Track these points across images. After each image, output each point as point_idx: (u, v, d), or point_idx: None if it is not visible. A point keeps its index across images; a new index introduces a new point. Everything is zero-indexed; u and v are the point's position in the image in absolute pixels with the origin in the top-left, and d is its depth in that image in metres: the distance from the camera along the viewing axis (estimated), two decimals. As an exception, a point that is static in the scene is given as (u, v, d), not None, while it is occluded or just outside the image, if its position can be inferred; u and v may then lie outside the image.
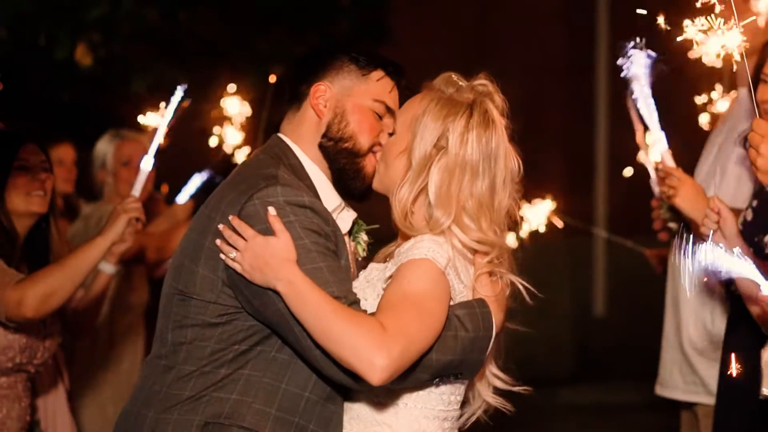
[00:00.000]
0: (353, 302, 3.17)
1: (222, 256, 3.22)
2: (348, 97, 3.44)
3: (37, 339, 4.47)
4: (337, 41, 3.45)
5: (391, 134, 3.44)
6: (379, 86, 3.45)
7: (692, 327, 4.75)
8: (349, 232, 3.53)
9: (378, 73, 3.46)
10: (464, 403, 3.41)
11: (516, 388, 3.41)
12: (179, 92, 4.57)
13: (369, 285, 3.33)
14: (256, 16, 8.94)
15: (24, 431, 4.55)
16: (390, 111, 3.46)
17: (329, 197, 3.43)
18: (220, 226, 3.22)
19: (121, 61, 4.66)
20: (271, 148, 3.46)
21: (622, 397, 10.07)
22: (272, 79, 6.00)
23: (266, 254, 3.14)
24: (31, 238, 4.55)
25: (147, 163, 4.57)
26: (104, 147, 6.10)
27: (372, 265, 3.41)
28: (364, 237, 3.58)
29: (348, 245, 3.48)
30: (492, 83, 3.39)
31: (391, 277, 3.24)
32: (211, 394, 3.26)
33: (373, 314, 3.16)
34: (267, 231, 3.17)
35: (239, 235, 3.19)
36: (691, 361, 4.76)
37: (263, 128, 5.88)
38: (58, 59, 7.29)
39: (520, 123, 3.41)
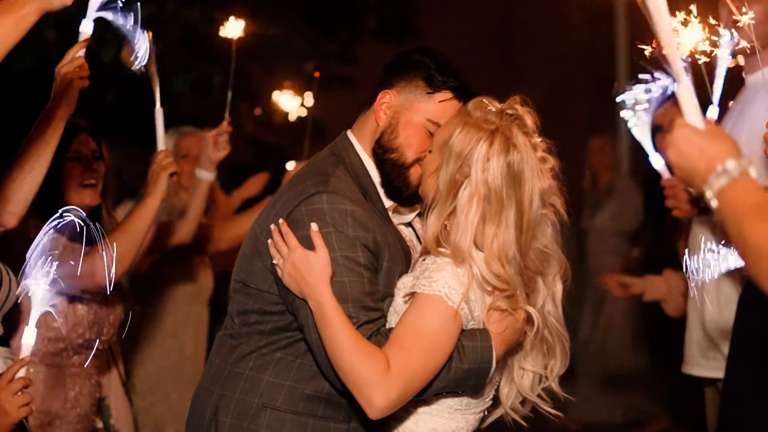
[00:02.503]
0: (365, 323, 3.30)
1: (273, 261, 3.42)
2: (406, 110, 3.53)
3: (103, 315, 4.74)
4: (427, 50, 3.54)
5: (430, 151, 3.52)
6: (439, 108, 3.52)
7: (715, 303, 4.82)
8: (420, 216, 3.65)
9: (443, 95, 3.53)
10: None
11: (547, 409, 3.55)
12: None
13: (392, 307, 3.44)
14: (289, 16, 9.19)
15: (95, 407, 4.82)
16: None
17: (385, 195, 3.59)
18: (272, 227, 3.40)
19: (164, 60, 4.90)
20: (336, 145, 3.61)
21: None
22: (317, 74, 6.21)
23: (303, 268, 3.30)
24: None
25: (159, 112, 4.83)
26: (166, 143, 6.39)
27: (419, 263, 3.49)
28: None
29: (415, 233, 3.67)
30: (523, 105, 3.42)
31: (410, 295, 3.34)
32: (267, 378, 3.46)
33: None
34: (308, 238, 3.33)
35: (285, 241, 3.36)
36: (713, 338, 4.86)
37: (310, 122, 6.09)
38: (105, 60, 7.56)
39: (544, 114, 3.53)
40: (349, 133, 3.62)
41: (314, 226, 3.33)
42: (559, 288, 3.49)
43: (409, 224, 3.70)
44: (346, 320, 3.26)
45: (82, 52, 4.01)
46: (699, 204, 4.76)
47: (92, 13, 3.93)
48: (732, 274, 4.74)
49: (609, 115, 12.19)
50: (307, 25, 9.21)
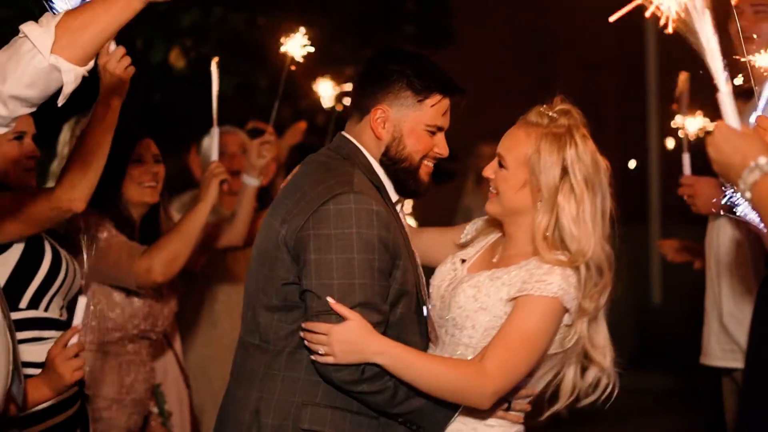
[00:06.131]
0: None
1: (312, 357, 3.49)
2: (404, 122, 3.65)
3: (158, 308, 4.99)
4: (397, 54, 3.80)
5: (501, 164, 3.67)
6: (432, 111, 3.67)
7: (731, 298, 5.02)
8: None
9: (432, 99, 3.66)
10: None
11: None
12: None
13: (479, 304, 3.60)
14: (328, 22, 9.39)
15: (150, 392, 5.09)
16: (441, 129, 3.71)
17: (392, 192, 3.71)
18: (301, 334, 3.49)
19: (210, 63, 5.13)
20: (341, 149, 3.70)
21: (679, 382, 10.25)
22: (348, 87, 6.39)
23: (350, 338, 3.41)
24: (144, 223, 5.05)
25: (215, 131, 5.13)
26: (207, 143, 6.61)
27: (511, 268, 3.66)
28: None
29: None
30: (566, 102, 3.68)
31: (513, 299, 3.52)
32: (303, 377, 3.54)
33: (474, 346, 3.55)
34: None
35: (318, 332, 3.44)
36: (729, 329, 5.02)
37: (333, 122, 6.31)
38: (153, 63, 7.81)
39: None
40: (349, 137, 3.73)
41: (331, 300, 3.43)
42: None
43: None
44: (418, 353, 3.49)
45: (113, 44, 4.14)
46: (728, 202, 4.96)
47: None
48: (747, 268, 4.97)
49: (639, 120, 12.38)
50: (345, 31, 9.39)
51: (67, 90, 3.09)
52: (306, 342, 3.48)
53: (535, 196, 3.61)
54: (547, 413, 3.74)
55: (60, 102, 3.12)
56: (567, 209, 3.57)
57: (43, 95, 3.09)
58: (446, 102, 3.70)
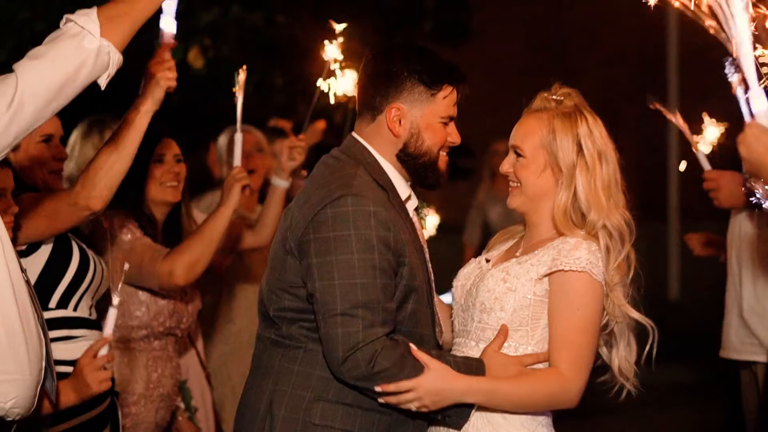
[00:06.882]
0: (372, 326, 3.49)
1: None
2: (421, 117, 3.71)
3: (182, 305, 5.04)
4: (401, 51, 3.82)
5: (519, 154, 3.75)
6: (445, 103, 3.73)
7: (752, 292, 5.09)
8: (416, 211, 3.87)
9: (444, 91, 3.72)
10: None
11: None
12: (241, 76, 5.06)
13: (508, 285, 3.67)
14: (346, 18, 9.42)
15: (177, 387, 5.14)
16: (452, 119, 3.77)
17: (402, 189, 3.75)
18: (381, 400, 3.54)
19: (229, 62, 5.15)
20: (349, 149, 3.75)
21: (696, 377, 10.33)
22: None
23: (438, 388, 3.50)
24: (167, 222, 5.10)
25: (239, 136, 5.13)
26: (222, 141, 6.62)
27: (497, 258, 3.83)
28: (426, 212, 3.96)
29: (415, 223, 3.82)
30: (565, 86, 3.79)
31: (545, 277, 3.61)
32: (317, 373, 3.61)
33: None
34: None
35: (398, 392, 3.50)
36: (749, 323, 5.10)
37: (350, 118, 6.35)
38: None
39: (597, 115, 3.86)
40: (358, 137, 3.77)
41: (413, 346, 3.53)
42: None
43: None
44: (498, 381, 3.56)
45: (169, 53, 4.22)
46: (751, 197, 4.97)
47: (170, 9, 4.06)
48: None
49: (659, 117, 12.38)
50: (364, 28, 9.44)
51: (112, 72, 3.24)
52: (383, 400, 3.53)
53: (557, 177, 3.71)
54: (624, 394, 3.78)
55: (104, 84, 3.27)
56: (582, 182, 3.67)
57: (88, 81, 3.22)
58: (455, 92, 3.76)
